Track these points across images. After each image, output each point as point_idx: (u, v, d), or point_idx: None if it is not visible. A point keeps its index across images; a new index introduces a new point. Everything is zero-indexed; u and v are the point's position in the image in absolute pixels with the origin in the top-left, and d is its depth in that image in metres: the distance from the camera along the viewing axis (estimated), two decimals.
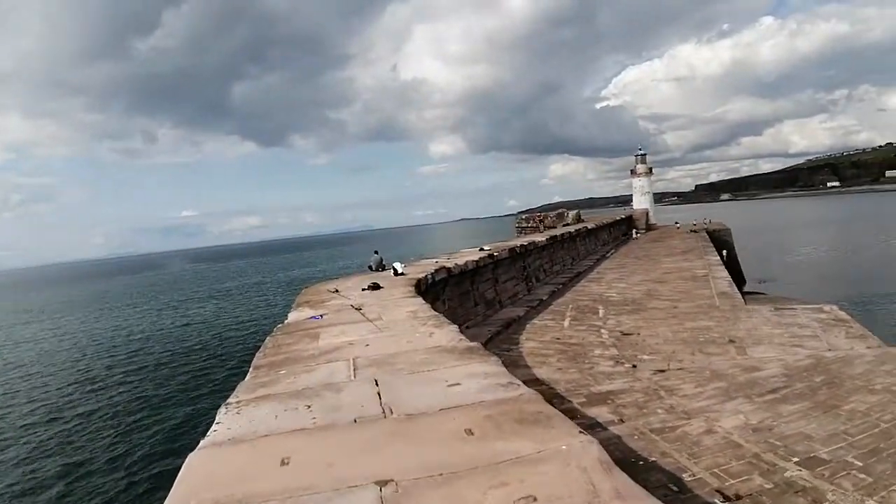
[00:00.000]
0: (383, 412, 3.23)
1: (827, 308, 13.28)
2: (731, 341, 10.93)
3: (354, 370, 4.22)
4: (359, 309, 6.75)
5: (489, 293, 14.58)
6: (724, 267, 21.67)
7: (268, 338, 5.89)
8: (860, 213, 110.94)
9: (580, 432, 2.76)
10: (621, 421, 7.26)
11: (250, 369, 4.68)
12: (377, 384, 3.80)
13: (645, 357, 10.27)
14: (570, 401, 8.12)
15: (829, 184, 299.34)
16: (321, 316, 6.69)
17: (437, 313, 6.25)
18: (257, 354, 5.13)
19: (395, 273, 11.09)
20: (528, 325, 13.39)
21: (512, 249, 16.49)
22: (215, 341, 31.84)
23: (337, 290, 9.21)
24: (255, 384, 4.11)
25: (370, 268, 13.00)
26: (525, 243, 18.06)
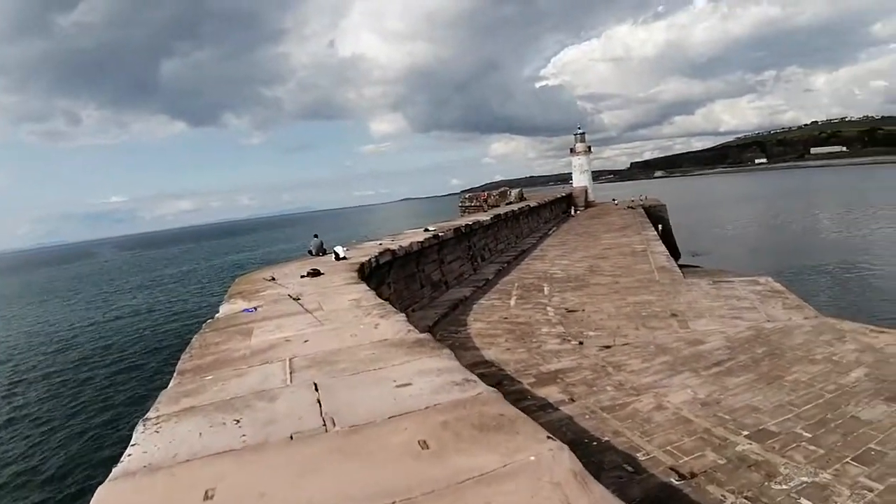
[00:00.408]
0: (324, 424, 2.82)
1: (762, 280, 13.80)
2: (673, 315, 11.13)
3: (291, 373, 3.76)
4: (297, 299, 6.25)
5: (435, 274, 14.30)
6: (661, 242, 22.29)
7: (195, 336, 5.29)
8: (786, 188, 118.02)
9: (548, 437, 2.48)
10: (572, 400, 7.18)
11: (174, 375, 4.15)
12: (317, 389, 3.36)
13: (591, 333, 10.30)
14: (520, 381, 7.98)
15: (756, 161, 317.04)
16: (255, 309, 6.12)
17: (382, 301, 5.84)
18: (182, 356, 4.55)
19: (337, 257, 10.55)
20: (475, 306, 13.23)
21: (457, 229, 16.24)
22: (147, 336, 30.05)
23: (273, 279, 8.63)
24: (178, 393, 3.61)
25: (310, 252, 12.37)
26: (470, 223, 17.86)
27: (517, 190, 35.65)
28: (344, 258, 10.48)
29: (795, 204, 76.24)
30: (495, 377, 8.24)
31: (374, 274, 10.53)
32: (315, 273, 8.69)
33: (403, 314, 5.16)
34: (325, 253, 12.03)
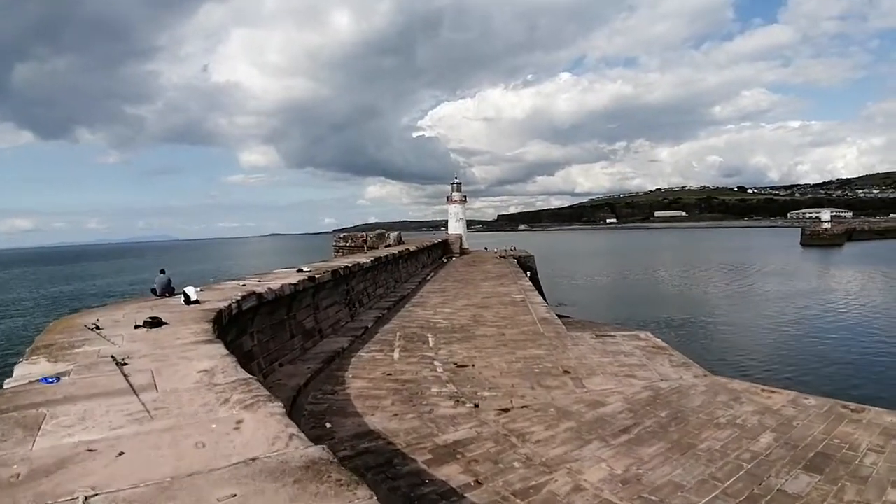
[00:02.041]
0: None
1: (642, 335, 13.96)
2: (566, 372, 10.58)
3: None
4: (122, 363, 4.38)
5: (308, 322, 12.58)
6: (537, 293, 22.46)
7: None
8: (635, 245, 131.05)
9: None
10: (478, 483, 6.03)
11: None
12: None
13: (485, 394, 9.33)
14: (413, 459, 6.68)
15: (608, 220, 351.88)
16: (57, 379, 4.12)
17: (245, 376, 4.12)
18: None
19: (188, 301, 8.43)
20: (353, 359, 11.70)
21: (335, 271, 14.69)
22: None
23: (98, 327, 6.50)
24: None
25: (153, 292, 9.96)
26: (349, 264, 16.39)
27: (395, 233, 34.78)
28: (196, 302, 8.43)
29: (644, 259, 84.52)
30: (384, 453, 6.85)
31: (235, 322, 8.68)
32: (155, 323, 6.68)
33: (279, 403, 3.47)
34: (173, 293, 9.77)
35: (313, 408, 8.68)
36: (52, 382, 4.08)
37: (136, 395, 3.65)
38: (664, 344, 13.06)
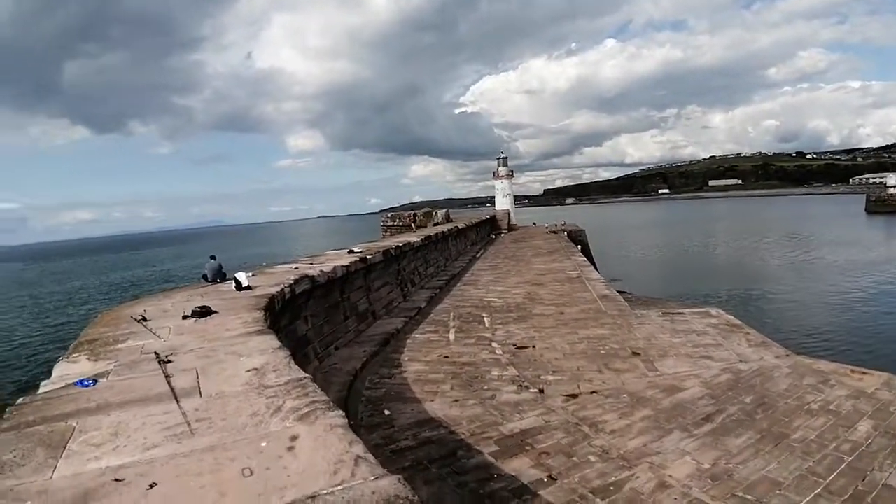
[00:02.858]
0: None
1: (713, 312, 13.06)
2: (635, 353, 9.91)
3: None
4: (166, 361, 4.20)
5: (362, 304, 12.33)
6: (593, 268, 21.59)
7: None
8: (688, 215, 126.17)
9: None
10: (551, 478, 5.55)
11: None
12: None
13: (549, 378, 8.79)
14: (479, 451, 6.26)
15: (660, 190, 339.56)
16: (94, 382, 3.84)
17: (300, 376, 3.67)
18: None
19: (239, 287, 8.23)
20: (408, 341, 11.39)
21: (386, 251, 14.38)
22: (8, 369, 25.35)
23: (144, 319, 6.25)
24: None
25: (204, 278, 9.91)
26: (400, 244, 16.05)
27: (443, 210, 34.31)
28: (247, 287, 8.22)
29: (700, 231, 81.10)
30: (447, 444, 6.46)
31: (288, 307, 8.44)
32: (203, 312, 6.35)
33: (340, 413, 3.04)
34: (224, 279, 9.63)
35: (371, 393, 8.39)
36: (88, 386, 3.79)
37: (177, 401, 3.27)
38: (738, 321, 12.13)
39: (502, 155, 57.16)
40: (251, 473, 2.37)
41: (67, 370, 4.21)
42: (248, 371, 3.71)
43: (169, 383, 3.58)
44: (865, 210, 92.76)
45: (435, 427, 6.95)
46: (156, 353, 4.34)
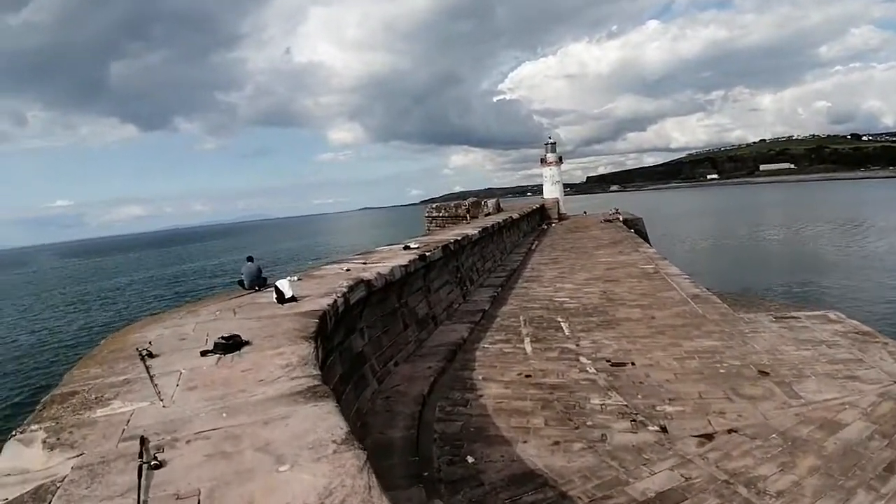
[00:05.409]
0: None
1: (832, 315, 10.91)
2: (763, 373, 7.95)
3: None
4: (153, 465, 2.55)
5: (421, 308, 10.72)
6: (670, 262, 19.39)
7: None
8: (742, 202, 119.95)
9: None
10: None
11: None
12: None
13: (667, 408, 6.98)
14: None
15: (709, 176, 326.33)
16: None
17: (374, 483, 2.14)
18: None
19: (281, 299, 6.56)
20: (478, 353, 9.72)
21: (445, 247, 12.69)
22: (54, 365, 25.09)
23: (150, 354, 4.61)
24: None
25: (241, 284, 8.30)
26: (458, 238, 14.36)
27: (493, 200, 32.41)
28: (292, 299, 6.58)
29: (759, 217, 76.47)
30: None
31: (343, 320, 6.87)
32: (231, 345, 4.62)
33: None
34: (264, 285, 8.02)
35: (445, 428, 6.75)
36: None
37: None
38: (867, 328, 9.98)
39: (550, 140, 54.50)
40: None
41: (14, 459, 2.72)
42: (303, 483, 2.05)
43: None
44: None
45: (539, 487, 5.25)
46: (142, 440, 2.75)
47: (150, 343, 4.93)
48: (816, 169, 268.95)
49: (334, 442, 2.60)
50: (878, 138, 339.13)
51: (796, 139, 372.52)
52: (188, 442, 2.81)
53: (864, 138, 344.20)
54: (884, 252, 37.39)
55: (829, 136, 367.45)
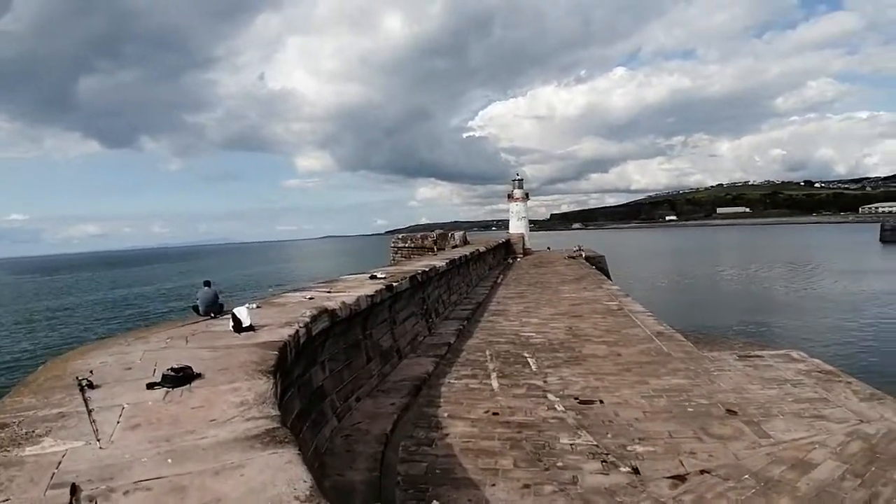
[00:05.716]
0: None
1: (795, 354, 11.08)
2: (731, 412, 7.90)
3: None
4: None
5: (385, 340, 10.35)
6: (632, 299, 19.56)
7: None
8: (699, 243, 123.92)
9: None
10: None
11: None
12: None
13: (637, 448, 6.79)
14: None
15: (668, 217, 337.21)
16: None
17: None
18: None
19: (238, 327, 6.08)
20: (443, 389, 9.38)
21: (413, 277, 12.42)
22: None
23: (90, 385, 4.11)
24: None
25: (195, 311, 7.69)
26: (426, 269, 14.10)
27: (461, 232, 32.41)
28: (250, 328, 6.14)
29: (715, 258, 78.99)
30: None
31: (303, 352, 6.49)
32: (180, 378, 4.18)
33: None
34: (220, 312, 7.55)
35: (409, 469, 6.37)
36: None
37: None
38: (830, 366, 10.16)
39: (518, 177, 55.24)
40: None
41: None
42: None
43: None
44: (880, 239, 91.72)
45: None
46: (72, 489, 2.34)
47: (91, 372, 4.46)
48: (771, 213, 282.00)
49: (297, 499, 2.27)
50: (830, 185, 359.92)
51: (752, 185, 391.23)
52: (126, 493, 2.42)
53: (817, 185, 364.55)
54: (838, 293, 38.89)
55: (783, 182, 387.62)
